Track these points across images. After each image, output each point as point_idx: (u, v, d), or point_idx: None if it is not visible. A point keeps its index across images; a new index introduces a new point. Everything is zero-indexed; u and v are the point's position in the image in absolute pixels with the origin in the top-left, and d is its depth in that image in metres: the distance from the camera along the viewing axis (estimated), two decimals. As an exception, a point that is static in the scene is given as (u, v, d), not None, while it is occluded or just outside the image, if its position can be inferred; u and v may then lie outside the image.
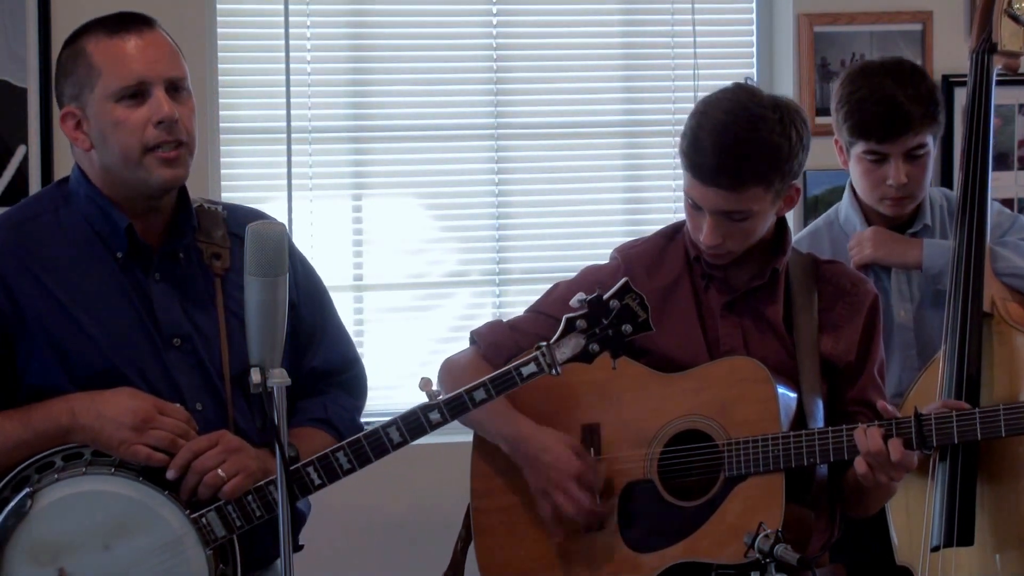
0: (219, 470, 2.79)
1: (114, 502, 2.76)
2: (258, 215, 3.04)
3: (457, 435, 3.40)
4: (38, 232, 2.89)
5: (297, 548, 3.08)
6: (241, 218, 2.98)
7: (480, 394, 2.82)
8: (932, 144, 3.66)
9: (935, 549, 3.32)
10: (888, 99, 3.61)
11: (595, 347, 2.82)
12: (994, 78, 3.50)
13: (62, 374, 2.82)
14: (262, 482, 2.81)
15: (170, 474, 2.78)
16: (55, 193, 2.96)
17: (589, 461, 3.15)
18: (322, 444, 2.90)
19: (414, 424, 2.82)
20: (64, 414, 2.79)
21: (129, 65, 2.82)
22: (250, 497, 2.80)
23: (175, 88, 2.85)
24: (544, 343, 2.82)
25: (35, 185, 4.27)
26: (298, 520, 3.04)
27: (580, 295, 2.86)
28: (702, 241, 3.14)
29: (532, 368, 2.81)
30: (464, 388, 2.83)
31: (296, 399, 3.01)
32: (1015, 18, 3.46)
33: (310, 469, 2.82)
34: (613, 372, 3.09)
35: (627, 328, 2.84)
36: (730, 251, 3.16)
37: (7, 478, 2.78)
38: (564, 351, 2.81)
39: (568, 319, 2.83)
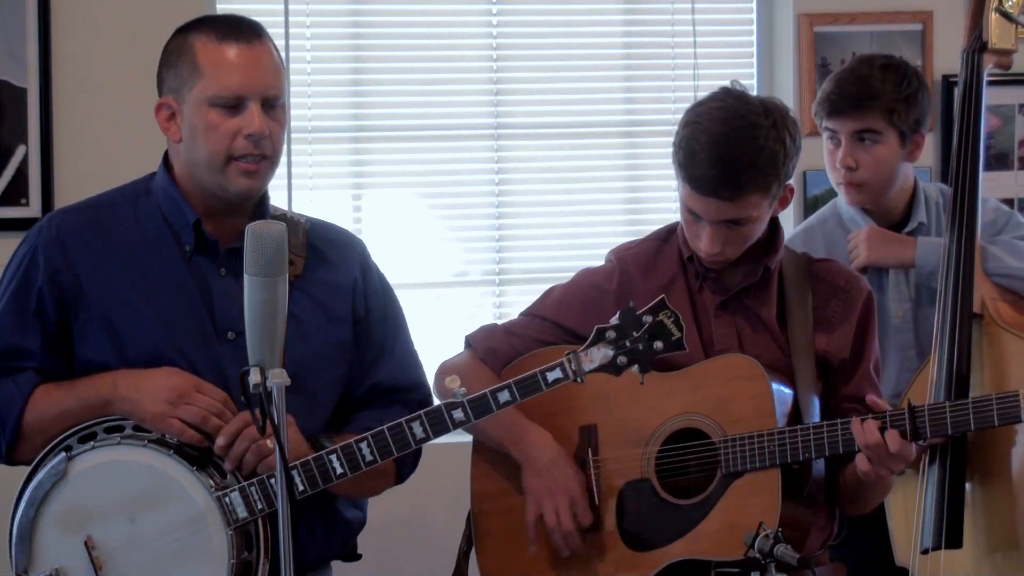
0: (268, 441, 2.81)
1: (144, 473, 2.83)
2: (341, 231, 3.14)
3: (457, 436, 3.39)
4: (112, 218, 2.98)
5: (354, 556, 3.15)
6: (322, 231, 3.09)
7: (504, 395, 2.83)
8: (895, 137, 3.64)
9: (925, 551, 3.32)
10: (851, 75, 3.65)
11: (623, 360, 2.81)
12: (985, 77, 3.49)
13: (113, 353, 2.90)
14: (292, 463, 2.82)
15: (220, 440, 2.83)
16: (139, 184, 3.05)
17: (585, 500, 3.16)
18: None
19: (437, 421, 2.85)
20: (106, 385, 2.87)
21: (231, 76, 2.87)
22: (272, 480, 2.82)
23: (270, 104, 2.91)
24: (572, 350, 2.82)
25: (35, 185, 4.27)
26: (341, 526, 3.08)
27: (620, 310, 2.85)
28: (702, 249, 3.14)
29: (558, 374, 2.81)
30: (489, 388, 2.83)
31: (354, 411, 3.06)
32: (1006, 15, 3.46)
33: (333, 458, 2.85)
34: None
35: (658, 345, 2.82)
36: (728, 257, 3.16)
37: (51, 446, 2.88)
38: (591, 360, 2.81)
39: (599, 329, 2.82)
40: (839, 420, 3.07)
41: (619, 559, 3.16)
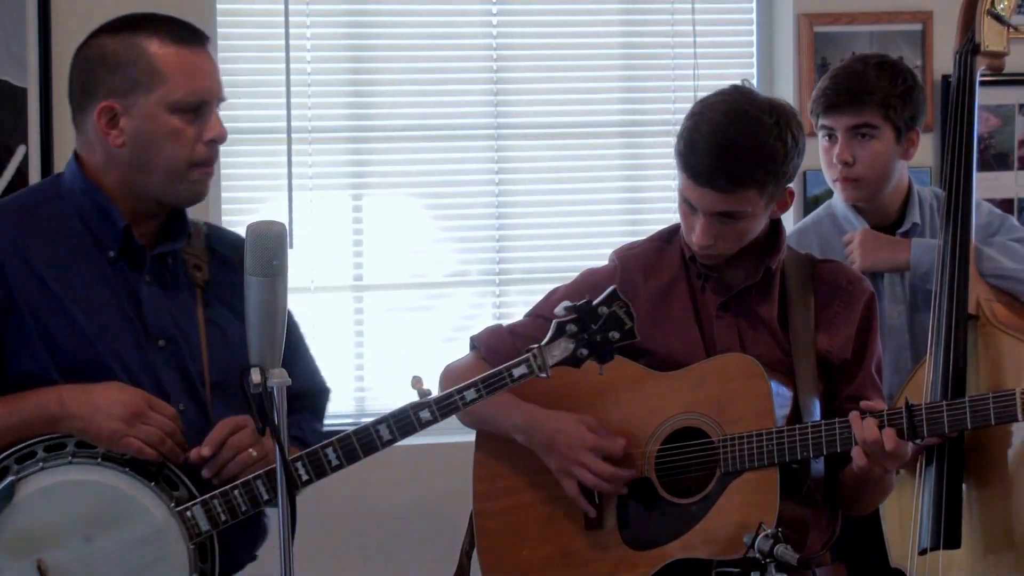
0: (252, 450, 2.80)
1: (100, 492, 2.76)
2: (237, 237, 3.05)
3: (458, 435, 3.40)
4: (34, 221, 2.88)
5: (252, 558, 3.06)
6: (218, 235, 3.03)
7: (471, 394, 2.84)
8: (890, 133, 3.67)
9: (923, 552, 3.32)
10: (846, 72, 3.69)
11: (583, 352, 2.85)
12: (978, 78, 3.50)
13: (49, 362, 2.80)
14: (249, 476, 2.81)
15: (205, 451, 2.79)
16: (50, 187, 2.96)
17: (603, 432, 3.16)
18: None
19: (404, 422, 2.83)
20: (53, 403, 2.77)
21: (198, 80, 2.84)
22: (237, 492, 2.80)
23: (218, 108, 2.90)
24: (535, 346, 2.85)
25: (35, 185, 4.27)
26: (261, 534, 3.03)
27: (566, 302, 2.89)
28: (694, 242, 3.15)
29: (523, 370, 2.84)
30: (455, 388, 2.84)
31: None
32: (998, 18, 3.46)
33: (298, 464, 2.82)
34: (611, 372, 3.11)
35: (614, 335, 2.87)
36: (721, 252, 3.17)
37: None
38: (554, 354, 2.84)
39: (559, 323, 2.86)
40: (837, 420, 3.07)
41: (619, 558, 3.16)
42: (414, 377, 2.84)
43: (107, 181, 2.88)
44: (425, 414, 2.83)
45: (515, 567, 3.25)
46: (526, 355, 2.84)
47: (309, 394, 3.10)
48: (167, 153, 2.83)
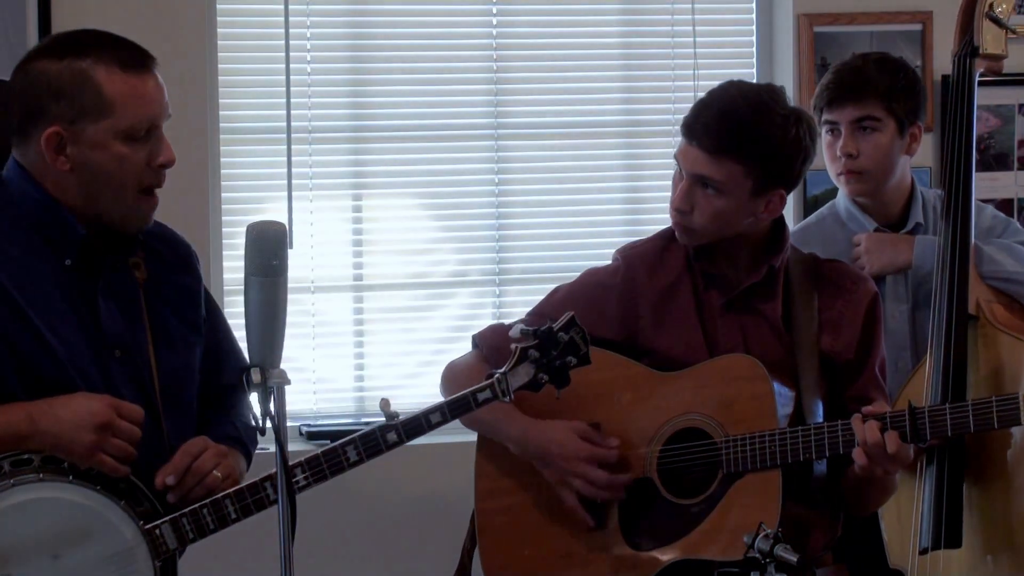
0: (216, 472, 2.80)
1: (70, 510, 2.73)
2: (169, 228, 3.02)
3: (459, 435, 3.40)
4: None
5: None
6: (150, 229, 2.94)
7: (436, 417, 2.87)
8: (893, 125, 3.69)
9: (923, 552, 3.32)
10: (848, 67, 3.73)
11: (543, 377, 2.90)
12: (976, 81, 3.51)
13: (14, 378, 2.75)
14: (218, 496, 2.80)
15: (170, 479, 2.77)
16: None
17: (597, 439, 3.17)
18: (236, 461, 2.94)
19: (371, 444, 2.85)
20: (22, 421, 2.71)
21: (145, 107, 2.78)
22: (206, 510, 2.78)
23: None
24: (498, 371, 2.88)
25: (35, 185, 4.25)
26: None
27: (522, 327, 2.93)
28: (671, 204, 3.17)
29: (487, 394, 2.88)
30: (421, 411, 2.87)
31: (207, 412, 3.00)
32: (996, 21, 3.47)
33: (267, 484, 2.80)
34: (613, 372, 3.12)
35: (571, 360, 2.91)
36: (695, 227, 3.17)
37: None
38: (518, 379, 2.89)
39: (522, 349, 2.89)
40: (839, 421, 3.07)
41: (621, 558, 3.16)
42: (382, 399, 2.87)
43: (57, 193, 2.81)
44: (392, 436, 2.85)
45: (516, 566, 3.25)
46: (490, 380, 2.87)
47: (237, 386, 2.99)
48: (117, 181, 2.78)
